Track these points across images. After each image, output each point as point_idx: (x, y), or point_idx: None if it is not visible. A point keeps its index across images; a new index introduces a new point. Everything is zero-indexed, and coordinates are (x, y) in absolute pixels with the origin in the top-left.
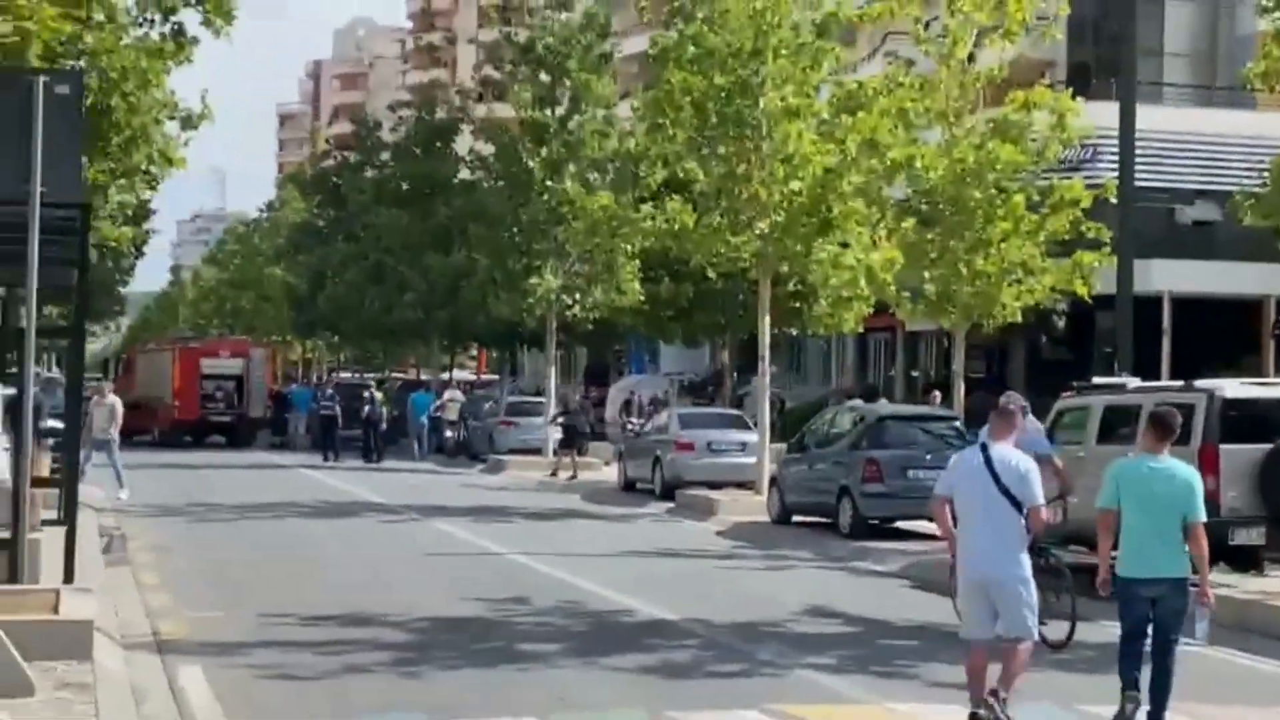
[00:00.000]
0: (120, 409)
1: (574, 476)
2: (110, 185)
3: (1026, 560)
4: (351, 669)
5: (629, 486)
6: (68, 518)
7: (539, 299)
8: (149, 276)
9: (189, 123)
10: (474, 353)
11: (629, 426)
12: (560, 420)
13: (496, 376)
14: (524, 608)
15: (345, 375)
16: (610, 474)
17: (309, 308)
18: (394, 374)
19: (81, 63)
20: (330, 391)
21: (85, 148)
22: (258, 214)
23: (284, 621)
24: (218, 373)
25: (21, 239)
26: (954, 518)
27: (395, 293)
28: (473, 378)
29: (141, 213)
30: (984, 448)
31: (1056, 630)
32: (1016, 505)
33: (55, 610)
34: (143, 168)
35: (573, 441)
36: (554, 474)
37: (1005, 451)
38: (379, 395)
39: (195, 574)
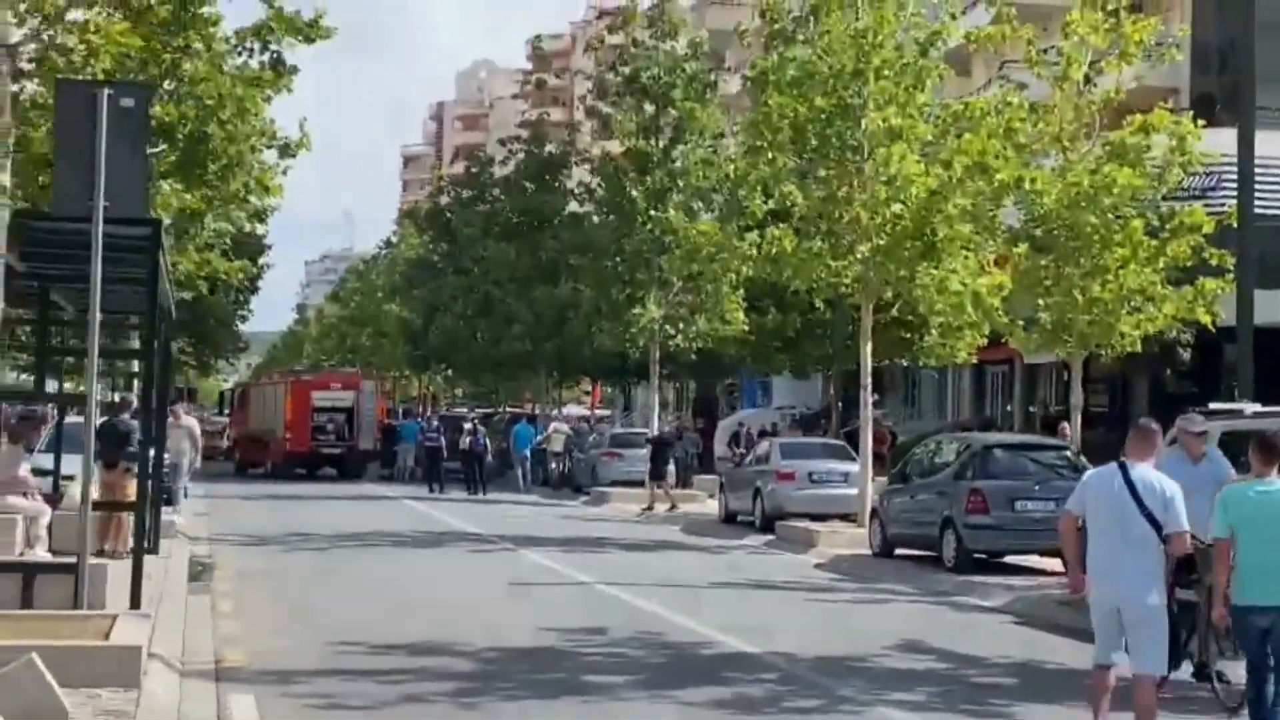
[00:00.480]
0: (198, 432)
1: (673, 508)
2: (207, 213)
3: (1162, 588)
4: (409, 698)
5: (730, 518)
6: (138, 544)
7: (641, 329)
8: (277, 316)
9: (287, 151)
10: (588, 387)
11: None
12: (651, 449)
13: (608, 411)
14: (600, 638)
15: (461, 409)
16: (713, 507)
17: (422, 342)
18: (510, 408)
19: (169, 85)
20: (436, 424)
21: (183, 175)
22: (377, 251)
23: (352, 650)
24: (329, 405)
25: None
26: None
27: (503, 325)
28: (586, 412)
29: (253, 247)
30: (1123, 467)
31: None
32: (1156, 528)
33: (107, 636)
34: (240, 194)
35: (661, 472)
36: (649, 507)
37: (1146, 472)
38: (481, 428)
39: (273, 602)
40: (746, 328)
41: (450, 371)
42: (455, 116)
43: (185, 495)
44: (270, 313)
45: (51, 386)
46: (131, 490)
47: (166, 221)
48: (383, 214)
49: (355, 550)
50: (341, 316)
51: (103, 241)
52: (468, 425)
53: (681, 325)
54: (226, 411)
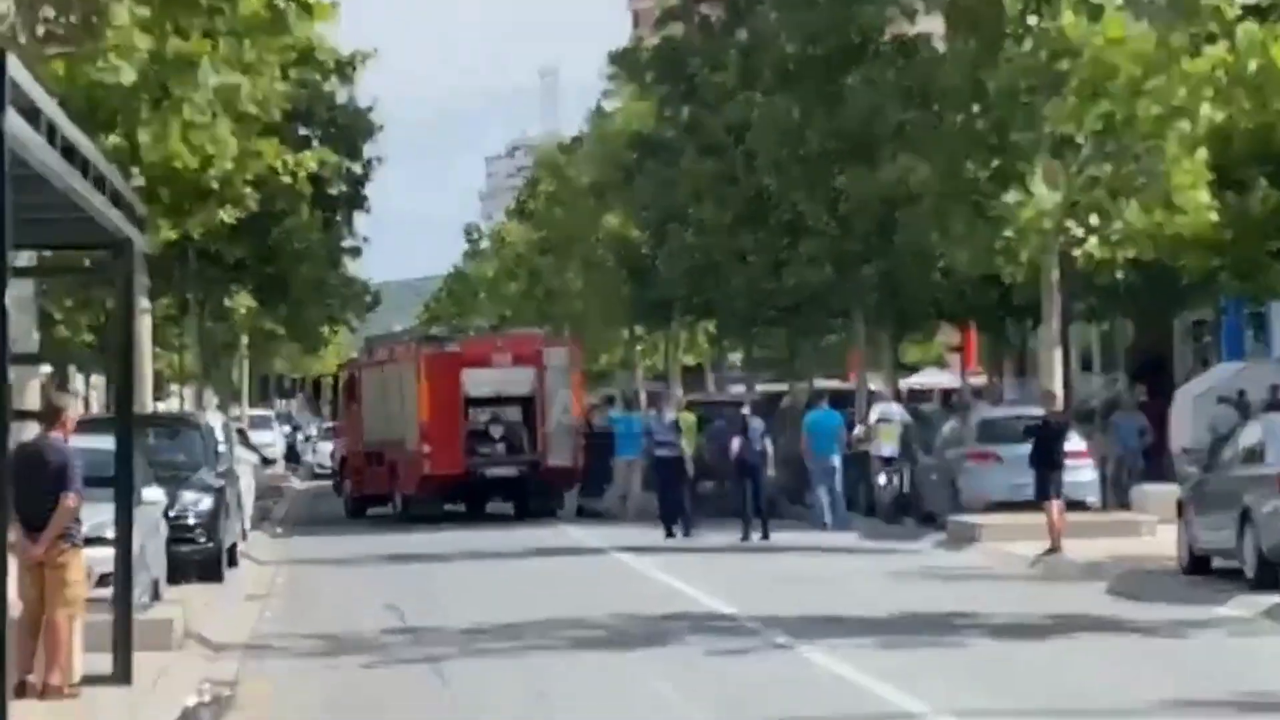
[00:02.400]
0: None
1: (1051, 549)
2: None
3: None
4: None
5: (1197, 566)
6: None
7: (1022, 230)
8: (441, 252)
9: None
10: (954, 338)
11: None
12: (1035, 444)
13: (983, 379)
14: None
15: (737, 389)
16: (1163, 544)
17: (654, 276)
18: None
19: None
20: (673, 418)
21: None
22: (582, 132)
23: None
24: (492, 394)
25: None
26: None
27: (786, 239)
28: (952, 382)
29: (337, 116)
30: None
31: None
32: None
33: None
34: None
35: (1047, 483)
36: (1052, 549)
37: None
38: (757, 420)
39: None
40: (1217, 218)
41: (711, 327)
42: None
43: (235, 561)
44: (433, 247)
45: None
46: (75, 574)
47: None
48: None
49: (504, 658)
50: (530, 242)
51: None
52: (744, 410)
53: (1097, 220)
54: (326, 412)
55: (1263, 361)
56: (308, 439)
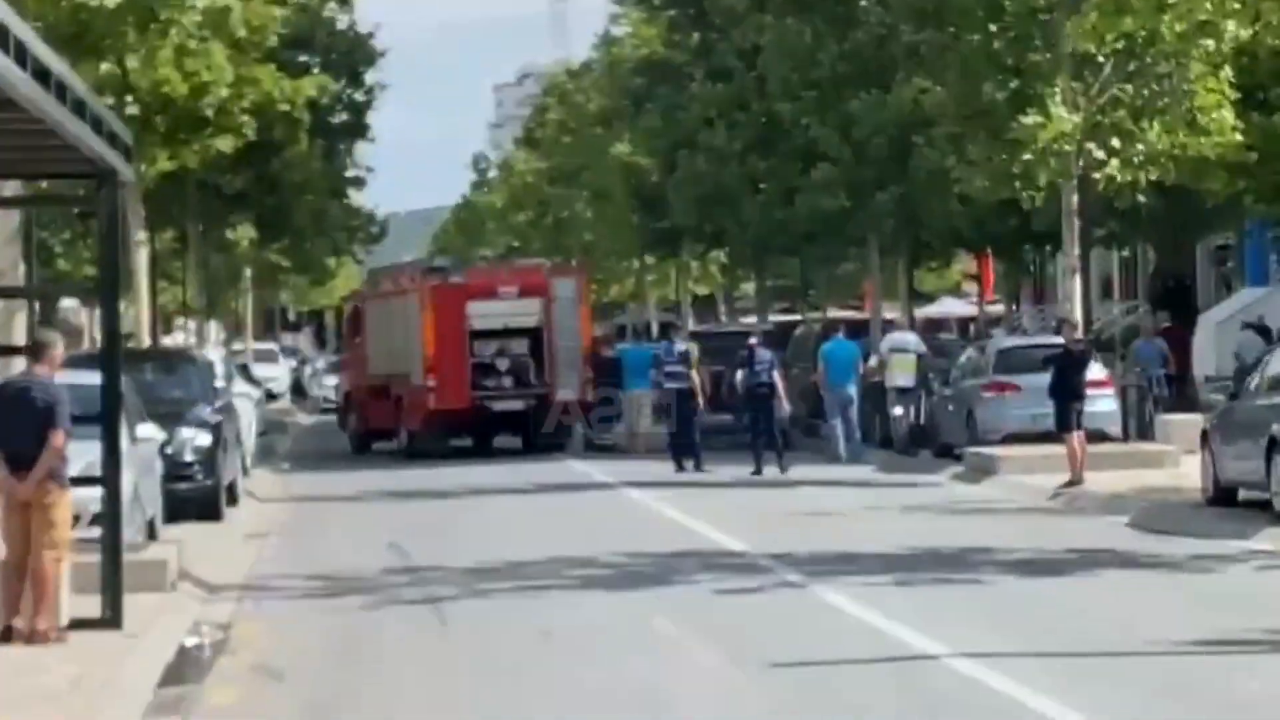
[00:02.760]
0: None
1: (1072, 482)
2: None
3: None
4: None
5: (1222, 497)
6: None
7: (1041, 153)
8: (451, 186)
9: None
10: (971, 266)
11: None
12: (1054, 373)
13: (1000, 307)
14: None
15: (748, 321)
16: (1187, 475)
17: (664, 206)
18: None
19: None
20: (683, 349)
21: None
22: (591, 58)
23: None
24: (498, 326)
25: None
26: None
27: (799, 166)
28: (970, 310)
29: (337, 43)
30: None
31: None
32: None
33: None
34: None
35: (1067, 414)
36: (1072, 481)
37: None
38: (766, 352)
39: None
40: (1242, 139)
41: (721, 255)
42: None
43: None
44: (443, 177)
45: None
46: (62, 514)
47: None
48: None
49: (501, 600)
50: (539, 171)
51: None
52: (752, 340)
53: (1118, 142)
54: (332, 342)
55: None
56: (314, 373)
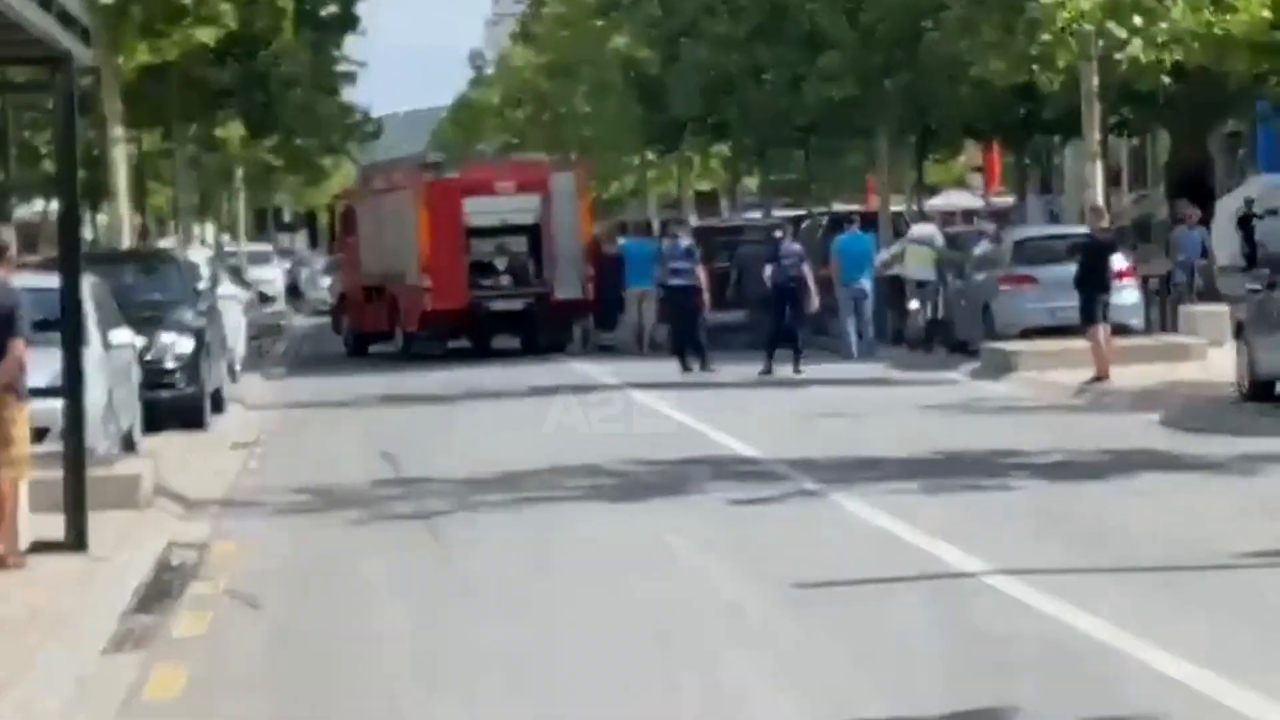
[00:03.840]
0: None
1: (1098, 377)
2: None
3: None
4: None
5: (1259, 392)
6: None
7: (1057, 36)
8: (450, 86)
9: None
10: (976, 158)
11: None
12: (1081, 264)
13: (1009, 200)
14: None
15: (752, 216)
16: (1218, 368)
17: (664, 97)
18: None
19: None
20: (687, 244)
21: None
22: None
23: None
24: (495, 223)
25: None
26: None
27: (800, 51)
28: (975, 203)
29: None
30: None
31: None
32: None
33: None
34: None
35: (1093, 306)
36: (1097, 377)
37: None
38: (794, 244)
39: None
40: (1270, 14)
41: (726, 148)
42: None
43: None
44: (441, 77)
45: None
46: (20, 430)
47: None
48: None
49: (497, 514)
50: (536, 66)
51: None
52: (778, 233)
53: (1141, 20)
54: (325, 242)
55: None
56: (310, 275)
